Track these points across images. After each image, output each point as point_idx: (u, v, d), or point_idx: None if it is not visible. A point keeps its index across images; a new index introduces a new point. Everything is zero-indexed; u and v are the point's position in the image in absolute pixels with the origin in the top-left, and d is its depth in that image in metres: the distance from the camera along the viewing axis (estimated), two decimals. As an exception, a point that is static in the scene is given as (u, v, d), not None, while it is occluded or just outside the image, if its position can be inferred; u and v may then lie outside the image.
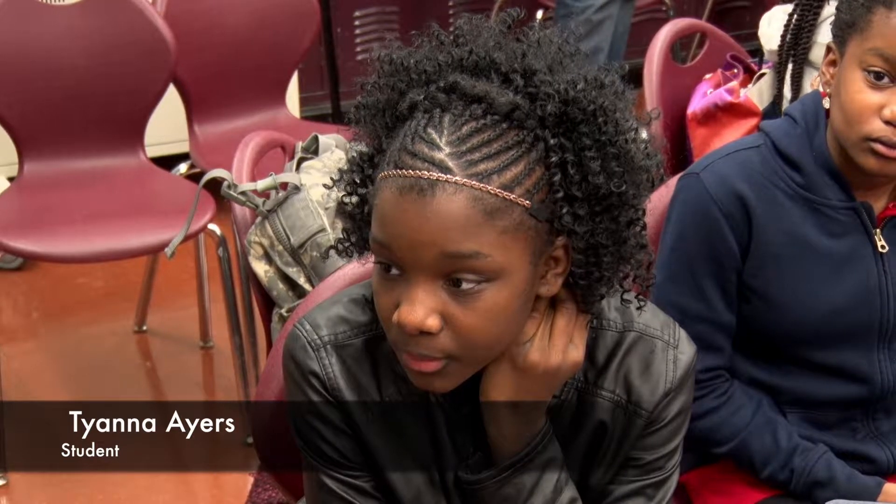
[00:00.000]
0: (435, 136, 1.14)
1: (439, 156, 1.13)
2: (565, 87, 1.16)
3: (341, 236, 1.29)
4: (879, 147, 1.56)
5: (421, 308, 1.15)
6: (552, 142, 1.16)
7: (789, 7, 2.43)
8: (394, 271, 1.16)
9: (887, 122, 1.54)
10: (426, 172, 1.12)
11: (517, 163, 1.14)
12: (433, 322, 1.15)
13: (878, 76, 1.54)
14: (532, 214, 1.15)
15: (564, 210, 1.16)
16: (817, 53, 2.35)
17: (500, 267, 1.14)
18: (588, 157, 1.16)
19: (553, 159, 1.16)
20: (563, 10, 4.13)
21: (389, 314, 1.18)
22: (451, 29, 1.23)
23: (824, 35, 2.33)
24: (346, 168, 1.26)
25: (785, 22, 2.39)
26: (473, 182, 1.12)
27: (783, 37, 2.38)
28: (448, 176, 1.12)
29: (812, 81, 1.66)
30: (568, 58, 1.21)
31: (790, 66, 2.38)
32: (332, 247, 1.30)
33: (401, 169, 1.14)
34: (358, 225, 1.26)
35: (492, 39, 1.20)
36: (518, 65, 1.17)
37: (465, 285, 1.14)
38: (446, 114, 1.15)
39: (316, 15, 3.40)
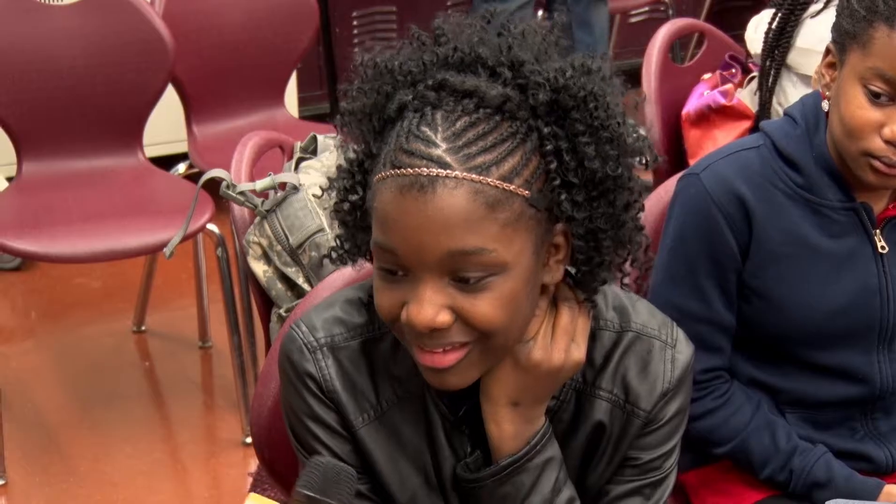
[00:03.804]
0: (430, 133, 1.14)
1: (437, 152, 1.13)
2: (554, 76, 1.16)
3: (335, 244, 1.28)
4: (878, 164, 1.55)
5: (430, 306, 1.14)
6: (546, 130, 1.16)
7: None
8: (397, 272, 1.16)
9: (887, 142, 1.54)
10: (425, 169, 1.12)
11: (513, 154, 1.14)
12: (444, 318, 1.15)
13: (877, 95, 1.54)
14: (532, 204, 1.15)
15: (563, 197, 1.17)
16: (792, 58, 2.35)
17: (504, 261, 1.14)
18: (582, 142, 1.16)
19: (548, 147, 1.16)
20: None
21: (394, 314, 1.17)
22: (432, 28, 1.23)
23: (802, 39, 2.33)
24: (335, 175, 1.26)
25: (766, 26, 2.39)
26: (473, 175, 1.12)
27: (765, 41, 2.38)
28: (447, 171, 1.12)
29: (813, 78, 1.65)
30: (552, 47, 1.21)
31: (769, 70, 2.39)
32: (325, 256, 1.30)
33: (399, 168, 1.13)
34: (351, 232, 1.26)
35: (475, 35, 1.20)
36: (504, 57, 1.17)
37: (471, 280, 1.14)
38: (438, 111, 1.15)
39: (314, 15, 3.40)
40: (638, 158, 1.21)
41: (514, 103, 1.15)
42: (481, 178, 1.12)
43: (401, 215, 1.13)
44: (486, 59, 1.17)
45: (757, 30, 2.45)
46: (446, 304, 1.15)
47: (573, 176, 1.16)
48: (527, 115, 1.16)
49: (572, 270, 1.25)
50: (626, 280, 1.28)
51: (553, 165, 1.16)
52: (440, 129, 1.14)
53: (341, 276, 1.57)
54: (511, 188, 1.13)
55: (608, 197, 1.19)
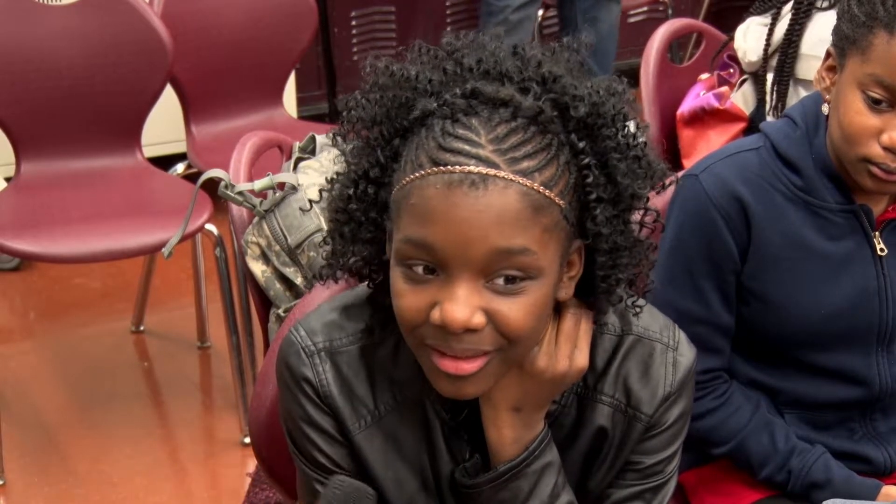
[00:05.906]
0: (471, 135, 1.13)
1: (484, 152, 1.12)
2: (589, 93, 1.17)
3: (326, 263, 1.26)
4: (876, 170, 1.55)
5: (466, 306, 1.13)
6: (580, 145, 1.16)
7: (761, 19, 2.43)
8: (426, 273, 1.15)
9: (885, 148, 1.53)
10: (475, 167, 1.12)
11: (551, 164, 1.15)
12: (479, 319, 1.14)
13: (877, 101, 1.53)
14: (565, 216, 1.15)
15: (598, 211, 1.17)
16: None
17: (541, 265, 1.14)
18: (614, 158, 1.17)
19: (584, 161, 1.16)
20: (485, 7, 4.17)
21: (420, 318, 1.16)
22: (444, 43, 1.23)
23: (806, 46, 2.33)
24: (330, 186, 1.24)
25: (766, 35, 2.38)
26: (521, 178, 1.12)
27: (765, 50, 2.38)
28: (497, 171, 1.12)
29: (815, 79, 1.65)
30: (578, 67, 1.22)
31: (770, 78, 2.38)
32: (316, 275, 1.29)
33: (444, 165, 1.12)
34: (347, 245, 1.23)
35: (500, 50, 1.20)
36: (534, 72, 1.17)
37: (507, 282, 1.14)
38: (472, 117, 1.14)
39: (313, 15, 3.40)
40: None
41: (548, 116, 1.15)
42: (528, 181, 1.12)
43: (448, 209, 1.12)
44: (513, 73, 1.17)
45: (746, 38, 2.45)
46: (481, 305, 1.14)
47: (602, 191, 1.17)
48: (559, 129, 1.16)
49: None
50: (630, 301, 1.27)
51: (589, 179, 1.16)
52: (482, 132, 1.14)
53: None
54: (552, 195, 1.14)
55: (627, 214, 1.20)
